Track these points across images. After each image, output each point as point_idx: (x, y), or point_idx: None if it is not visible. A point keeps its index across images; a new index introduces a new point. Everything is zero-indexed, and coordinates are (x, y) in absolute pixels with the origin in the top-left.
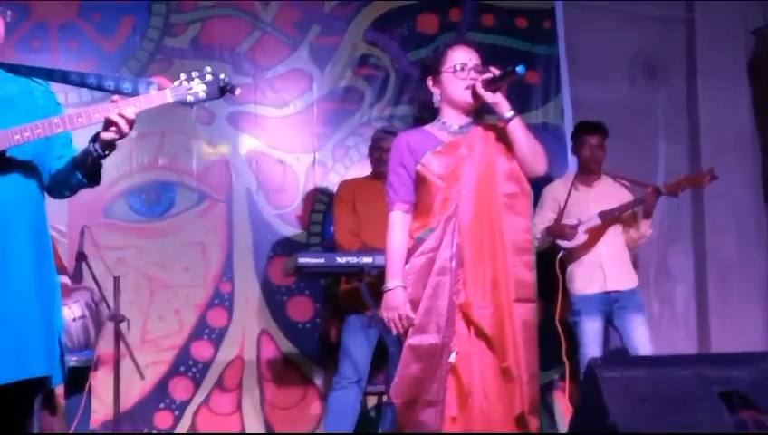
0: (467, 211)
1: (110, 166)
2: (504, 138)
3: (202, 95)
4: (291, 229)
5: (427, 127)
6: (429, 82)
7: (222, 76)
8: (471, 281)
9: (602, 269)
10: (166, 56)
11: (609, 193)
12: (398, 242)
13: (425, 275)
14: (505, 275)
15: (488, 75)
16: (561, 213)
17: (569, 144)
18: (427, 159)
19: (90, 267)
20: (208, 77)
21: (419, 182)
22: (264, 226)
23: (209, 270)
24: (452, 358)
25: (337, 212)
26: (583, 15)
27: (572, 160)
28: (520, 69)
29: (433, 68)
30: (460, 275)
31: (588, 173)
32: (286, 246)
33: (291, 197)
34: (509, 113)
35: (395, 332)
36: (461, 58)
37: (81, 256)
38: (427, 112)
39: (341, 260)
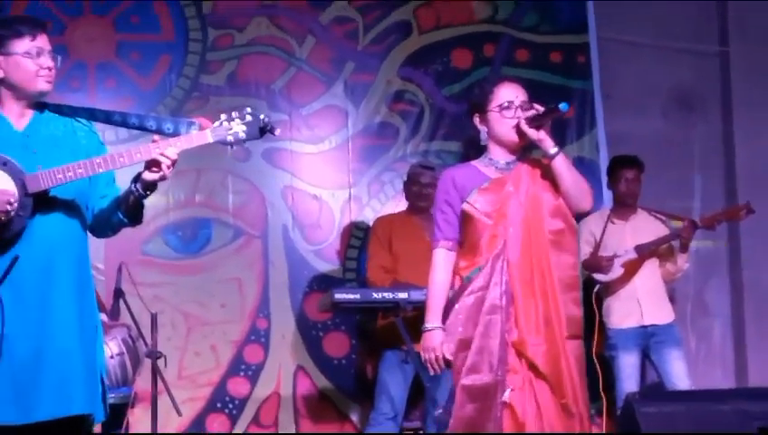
0: (515, 248)
1: (146, 203)
2: (549, 174)
3: (242, 135)
4: (326, 265)
5: (475, 162)
6: (476, 120)
7: (262, 117)
8: (523, 318)
9: (639, 303)
10: (202, 93)
11: (645, 227)
12: (441, 281)
13: (475, 314)
14: (557, 312)
15: (532, 113)
16: (597, 246)
17: (604, 179)
18: (473, 197)
19: (127, 304)
20: (248, 117)
21: (465, 220)
22: (299, 261)
23: (245, 306)
24: (506, 396)
25: (371, 248)
26: (618, 50)
27: (608, 195)
28: (563, 106)
29: (479, 106)
30: (511, 312)
31: (624, 207)
32: (322, 282)
33: (326, 232)
34: (553, 150)
35: (432, 372)
36: (508, 96)
37: (118, 293)
38: (473, 150)
39: (377, 296)
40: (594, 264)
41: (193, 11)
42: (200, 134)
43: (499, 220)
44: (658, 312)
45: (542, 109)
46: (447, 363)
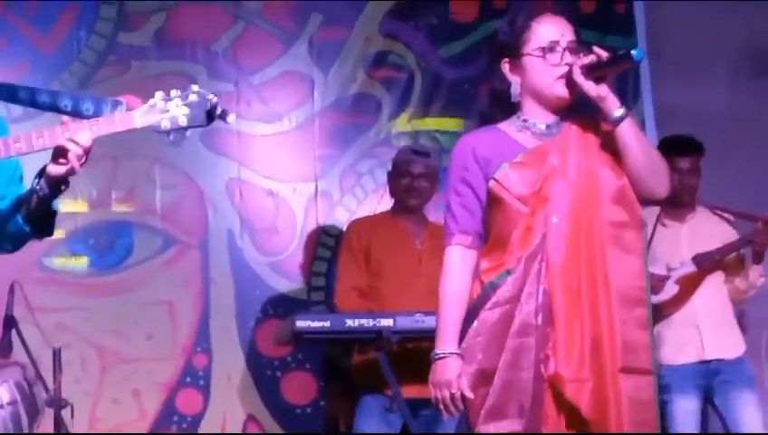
0: (559, 245)
1: None
2: (609, 144)
3: (182, 121)
4: (286, 283)
5: (502, 126)
6: (505, 67)
7: (211, 97)
8: (564, 343)
9: (699, 331)
10: (120, 57)
11: (706, 230)
12: (456, 290)
13: (500, 335)
14: (611, 334)
15: (591, 59)
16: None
17: None
18: (503, 174)
19: (21, 336)
20: (192, 97)
21: (492, 205)
22: (250, 278)
23: (178, 338)
24: None
25: (342, 263)
26: None
27: None
28: (637, 54)
29: (511, 47)
30: (549, 334)
31: (678, 205)
32: (280, 306)
33: (286, 240)
34: (618, 111)
35: (446, 416)
36: (551, 34)
37: (9, 322)
38: (498, 109)
39: (353, 323)
40: None
41: None
42: (124, 116)
43: (538, 206)
44: (725, 342)
45: (605, 55)
46: (467, 403)
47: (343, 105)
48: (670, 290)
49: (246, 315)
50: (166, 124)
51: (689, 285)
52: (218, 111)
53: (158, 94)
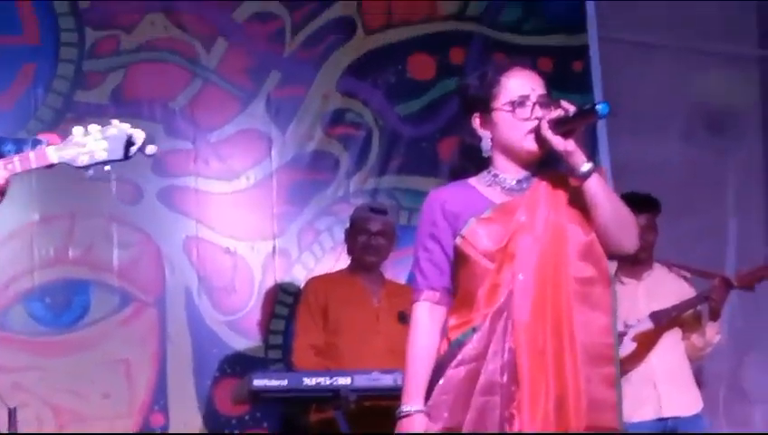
0: (525, 303)
1: (2, 261)
2: (577, 199)
3: (101, 155)
4: (243, 341)
5: (473, 181)
6: (476, 122)
7: (128, 130)
8: (529, 402)
9: (656, 388)
10: (78, 114)
11: (663, 287)
12: (423, 346)
13: (466, 393)
14: (576, 392)
15: (558, 113)
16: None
17: None
18: (470, 229)
19: None
20: (111, 131)
21: (459, 262)
22: (207, 337)
23: (135, 397)
24: None
25: (300, 321)
26: (626, 54)
27: None
28: (602, 108)
29: (481, 102)
30: (515, 393)
31: (635, 263)
32: (237, 364)
33: (243, 298)
34: (586, 166)
35: None
36: (521, 88)
37: None
38: (470, 164)
39: (310, 382)
40: None
41: (65, 6)
42: (40, 153)
43: (504, 263)
44: (681, 399)
45: (572, 109)
46: None
47: (301, 163)
48: (628, 347)
49: (204, 374)
50: (83, 159)
51: (647, 343)
52: (136, 143)
53: (77, 130)
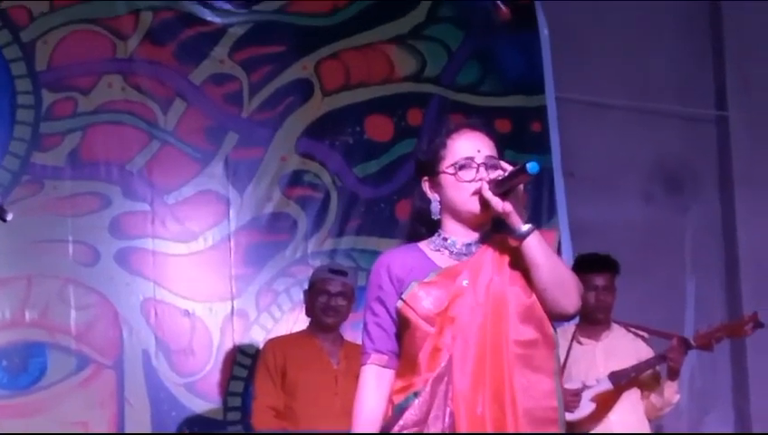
0: (465, 368)
1: None
2: (521, 262)
3: None
4: (202, 403)
5: (422, 245)
6: (425, 186)
7: None
8: None
9: None
10: (34, 177)
11: (621, 348)
12: (369, 410)
13: None
14: None
15: (498, 174)
16: (560, 374)
17: None
18: (411, 293)
19: None
20: None
21: (402, 325)
22: (166, 399)
23: None
24: None
25: (258, 382)
26: (584, 115)
27: None
28: (531, 167)
29: (428, 166)
30: None
31: (594, 323)
32: (196, 426)
33: (201, 360)
34: (524, 227)
35: None
36: (466, 150)
37: None
38: (422, 226)
39: None
40: None
41: (22, 67)
42: None
43: (444, 326)
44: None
45: (508, 169)
46: None
47: (259, 224)
48: (586, 408)
49: None
50: None
51: (606, 403)
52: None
53: None
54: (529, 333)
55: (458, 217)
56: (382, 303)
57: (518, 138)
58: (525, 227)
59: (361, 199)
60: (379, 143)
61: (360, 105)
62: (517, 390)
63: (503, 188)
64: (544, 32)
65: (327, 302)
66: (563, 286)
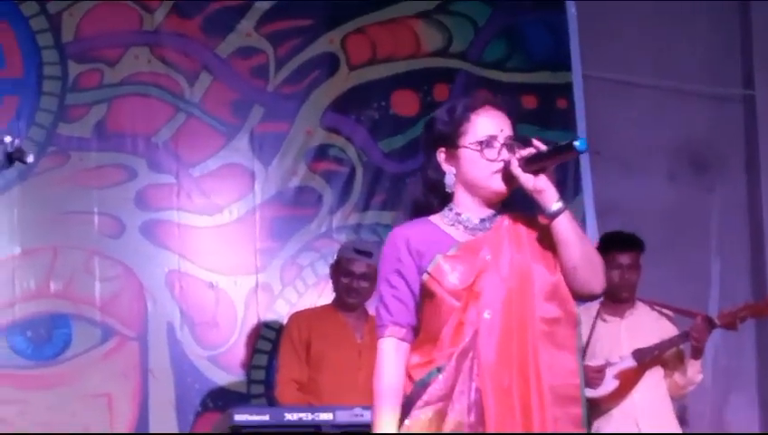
0: (491, 342)
1: None
2: (544, 240)
3: None
4: (225, 376)
5: (434, 219)
6: (441, 157)
7: (8, 139)
8: None
9: (638, 426)
10: (60, 148)
11: (645, 326)
12: (390, 383)
13: (434, 433)
14: (543, 432)
15: (529, 151)
16: (583, 352)
17: None
18: (436, 266)
19: None
20: None
21: (425, 299)
22: (189, 371)
23: (117, 431)
24: None
25: (282, 356)
26: (610, 93)
27: None
28: (580, 144)
29: (448, 138)
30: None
31: (618, 301)
32: (219, 399)
33: (226, 333)
34: (556, 205)
35: None
36: (490, 128)
37: None
38: (435, 197)
39: (291, 417)
40: None
41: (49, 39)
42: None
43: (470, 301)
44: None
45: (543, 147)
46: None
47: (284, 198)
48: (610, 385)
49: (185, 409)
50: None
51: (629, 381)
52: (16, 153)
53: None
54: (553, 310)
55: (475, 192)
56: (401, 275)
57: (544, 114)
58: (557, 205)
59: (387, 174)
60: (404, 118)
61: (386, 80)
62: (542, 366)
63: (537, 165)
64: (572, 9)
65: (350, 283)
66: (593, 265)
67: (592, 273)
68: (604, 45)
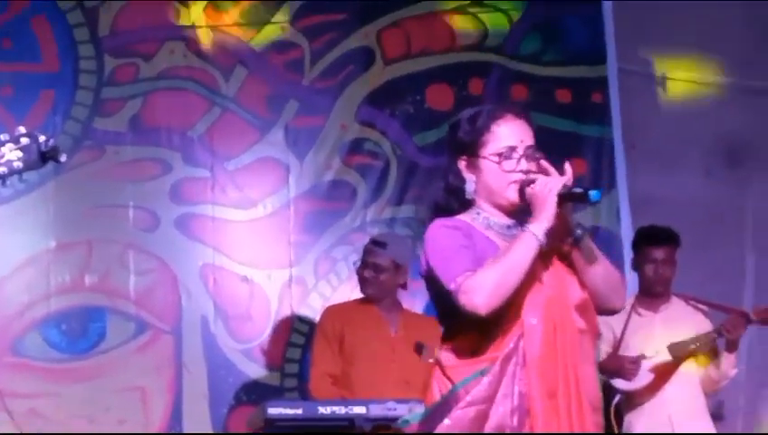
0: (535, 347)
1: (19, 287)
2: (567, 255)
3: (17, 165)
4: (259, 369)
5: (464, 217)
6: (462, 165)
7: (42, 138)
8: None
9: (671, 420)
10: (96, 142)
11: (680, 320)
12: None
13: (477, 431)
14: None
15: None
16: (617, 345)
17: (627, 256)
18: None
19: None
20: (24, 140)
21: None
22: (223, 365)
23: (151, 424)
24: None
25: (316, 349)
26: (646, 86)
27: (632, 278)
28: (594, 196)
29: (468, 147)
30: None
31: (653, 295)
32: (253, 392)
33: (260, 327)
34: (577, 232)
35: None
36: (510, 139)
37: None
38: (455, 201)
39: (325, 411)
40: (614, 367)
41: (85, 33)
42: None
43: (512, 307)
44: (696, 432)
45: (550, 169)
46: None
47: (318, 192)
48: (645, 378)
49: (219, 402)
50: (2, 170)
51: (663, 375)
52: (51, 152)
53: None
54: (581, 322)
55: (493, 201)
56: (468, 248)
57: (579, 108)
58: (579, 232)
59: (421, 168)
60: (439, 112)
61: (421, 74)
62: (579, 374)
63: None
64: (607, 2)
65: (362, 273)
66: (613, 285)
67: (613, 291)
68: (640, 38)
